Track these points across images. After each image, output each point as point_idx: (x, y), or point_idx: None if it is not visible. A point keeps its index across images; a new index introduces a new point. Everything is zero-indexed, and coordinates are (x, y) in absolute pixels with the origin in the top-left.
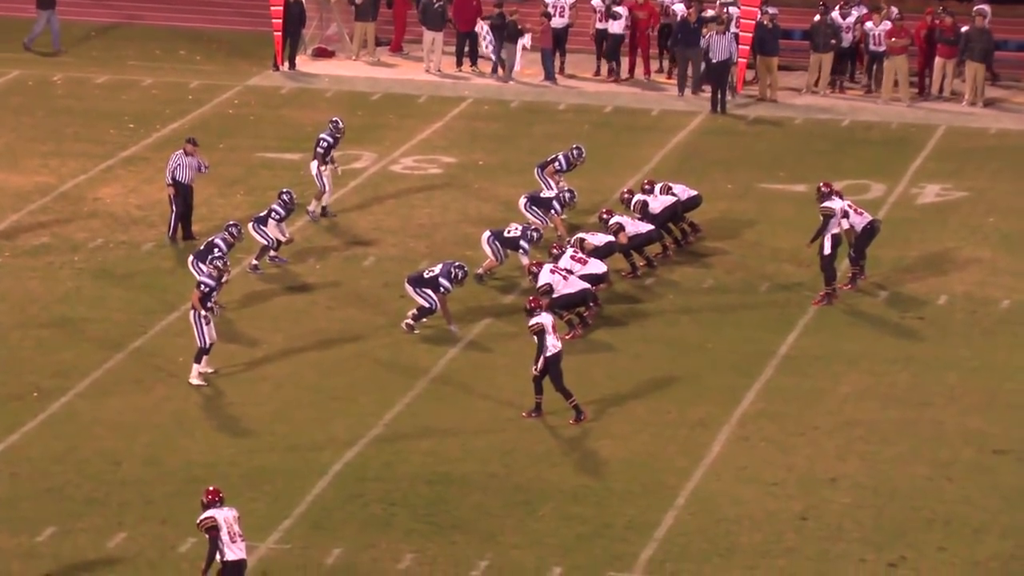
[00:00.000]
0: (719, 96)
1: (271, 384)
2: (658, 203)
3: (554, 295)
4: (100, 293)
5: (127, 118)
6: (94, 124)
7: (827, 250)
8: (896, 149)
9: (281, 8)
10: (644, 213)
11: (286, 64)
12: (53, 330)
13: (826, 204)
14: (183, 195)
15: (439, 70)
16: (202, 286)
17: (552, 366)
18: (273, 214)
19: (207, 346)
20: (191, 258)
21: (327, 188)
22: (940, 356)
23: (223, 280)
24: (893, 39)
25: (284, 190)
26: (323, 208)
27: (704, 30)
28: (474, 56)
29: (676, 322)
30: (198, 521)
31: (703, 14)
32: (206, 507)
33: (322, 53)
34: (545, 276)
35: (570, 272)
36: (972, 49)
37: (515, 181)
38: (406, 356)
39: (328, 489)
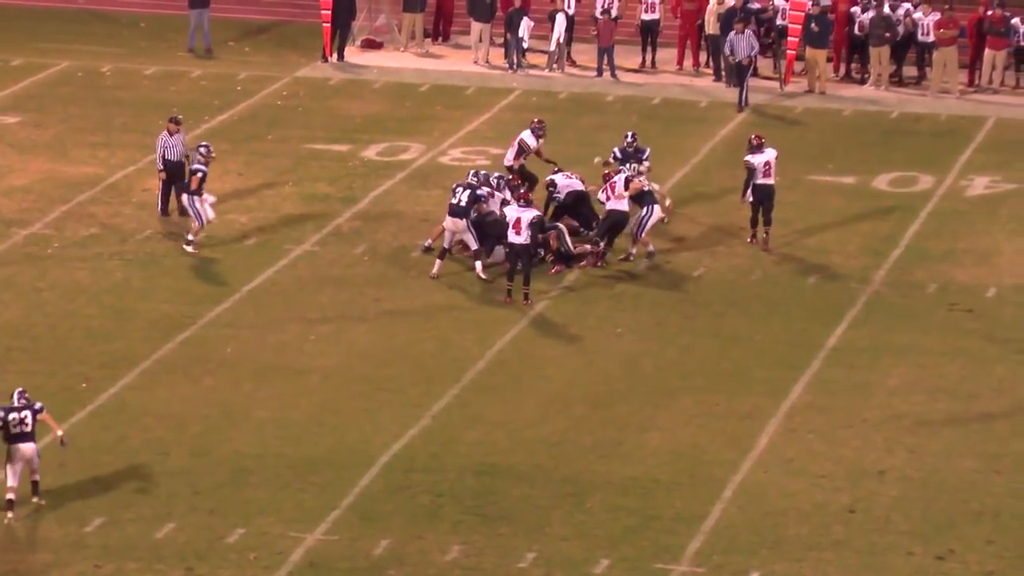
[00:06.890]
0: (742, 94)
1: (319, 375)
2: (564, 184)
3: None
4: (148, 284)
5: (176, 109)
6: (143, 115)
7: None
8: (945, 141)
9: None
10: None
11: (335, 55)
12: (102, 321)
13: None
14: (171, 175)
15: (487, 61)
16: (199, 173)
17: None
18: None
19: (204, 223)
20: None
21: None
22: (989, 349)
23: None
24: (942, 30)
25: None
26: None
27: (735, 27)
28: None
29: (724, 314)
30: None
31: (749, 4)
32: None
33: (371, 44)
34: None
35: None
36: None
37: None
38: (455, 347)
39: (376, 480)
